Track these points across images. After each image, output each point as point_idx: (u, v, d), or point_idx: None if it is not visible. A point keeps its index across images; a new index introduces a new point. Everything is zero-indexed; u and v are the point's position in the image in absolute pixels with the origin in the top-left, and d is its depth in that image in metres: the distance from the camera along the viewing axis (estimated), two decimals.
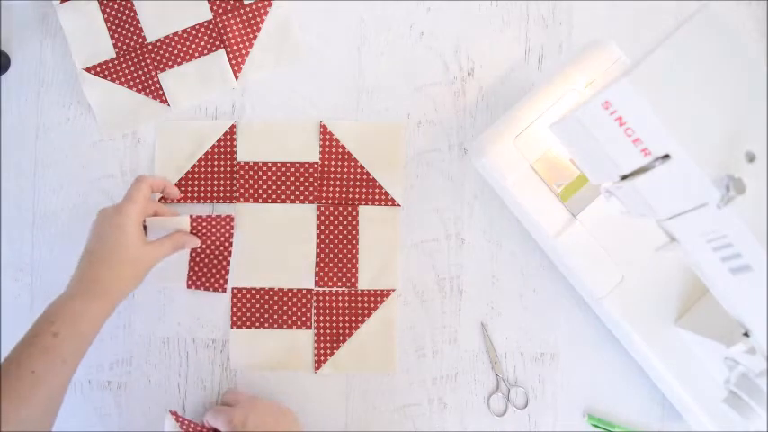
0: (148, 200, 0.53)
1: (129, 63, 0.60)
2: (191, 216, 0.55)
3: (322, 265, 0.59)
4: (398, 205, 0.59)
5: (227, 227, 0.57)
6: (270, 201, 0.59)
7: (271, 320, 0.59)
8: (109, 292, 0.49)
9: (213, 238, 0.57)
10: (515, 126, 0.53)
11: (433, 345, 0.59)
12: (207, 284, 0.59)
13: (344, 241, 0.59)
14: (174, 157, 0.60)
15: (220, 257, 0.59)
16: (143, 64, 0.60)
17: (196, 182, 0.59)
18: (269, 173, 0.59)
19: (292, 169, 0.59)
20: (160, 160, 0.60)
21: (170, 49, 0.60)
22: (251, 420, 0.51)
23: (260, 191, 0.59)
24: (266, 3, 0.60)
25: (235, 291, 0.59)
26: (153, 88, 0.60)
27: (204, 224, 0.56)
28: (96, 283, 0.49)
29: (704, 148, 0.35)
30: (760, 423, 0.42)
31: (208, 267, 0.59)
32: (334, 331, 0.59)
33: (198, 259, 0.59)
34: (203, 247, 0.59)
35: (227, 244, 0.59)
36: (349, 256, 0.59)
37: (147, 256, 0.51)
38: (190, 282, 0.59)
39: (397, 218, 0.59)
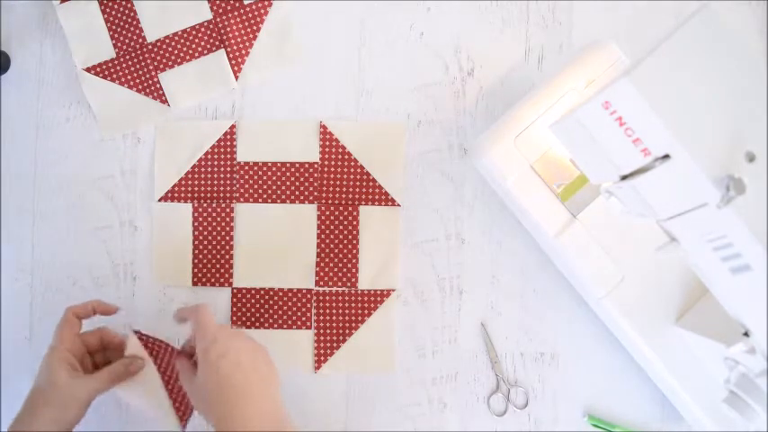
0: (75, 329, 0.52)
1: (129, 63, 0.60)
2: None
3: (322, 264, 0.59)
4: (398, 205, 0.59)
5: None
6: (270, 201, 0.59)
7: (271, 320, 0.59)
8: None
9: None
10: (515, 126, 0.53)
11: (433, 345, 0.59)
12: (212, 280, 0.59)
13: (345, 241, 0.59)
14: (174, 157, 0.60)
15: (222, 252, 0.59)
16: (143, 64, 0.60)
17: (196, 182, 0.59)
18: (269, 173, 0.59)
19: (292, 169, 0.59)
20: (160, 160, 0.60)
21: (170, 49, 0.60)
22: (229, 356, 0.47)
23: (260, 191, 0.59)
24: (266, 3, 0.60)
25: (235, 291, 0.59)
26: (153, 88, 0.60)
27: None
28: (32, 419, 0.48)
29: (704, 148, 0.35)
30: (760, 423, 0.42)
31: (212, 263, 0.59)
32: (334, 331, 0.59)
33: (201, 256, 0.59)
34: (205, 242, 0.59)
35: (228, 238, 0.59)
36: (349, 256, 0.59)
37: (80, 391, 0.49)
38: (195, 279, 0.59)
39: (397, 218, 0.59)
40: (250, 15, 0.60)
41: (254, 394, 0.46)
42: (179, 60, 0.60)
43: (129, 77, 0.60)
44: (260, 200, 0.59)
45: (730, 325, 0.43)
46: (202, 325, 0.48)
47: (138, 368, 0.53)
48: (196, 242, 0.59)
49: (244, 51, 0.60)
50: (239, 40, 0.60)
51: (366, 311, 0.59)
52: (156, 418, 0.53)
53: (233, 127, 0.60)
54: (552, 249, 0.55)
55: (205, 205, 0.59)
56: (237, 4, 0.60)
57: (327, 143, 0.60)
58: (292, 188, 0.59)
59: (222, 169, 0.59)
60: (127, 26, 0.60)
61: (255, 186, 0.59)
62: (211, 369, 0.47)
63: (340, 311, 0.59)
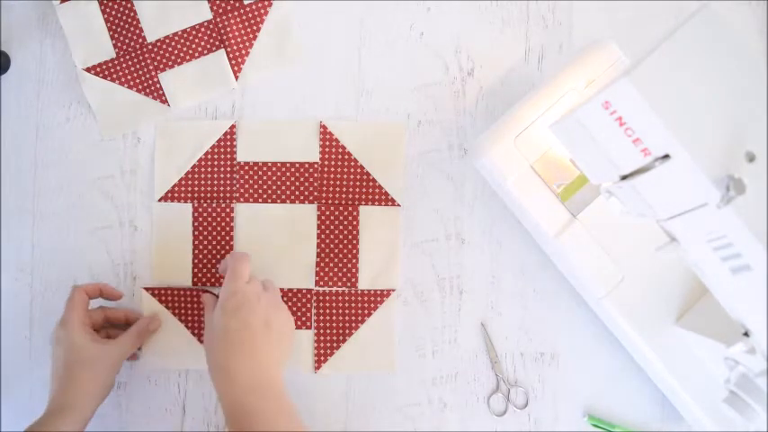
0: (85, 305, 0.54)
1: (129, 63, 0.60)
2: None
3: (322, 264, 0.59)
4: (398, 205, 0.59)
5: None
6: (270, 201, 0.59)
7: None
8: (74, 404, 0.49)
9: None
10: (515, 126, 0.53)
11: (433, 345, 0.59)
12: (213, 280, 0.59)
13: (344, 241, 0.59)
14: (174, 157, 0.60)
15: (222, 252, 0.59)
16: (143, 64, 0.60)
17: (196, 182, 0.59)
18: (269, 173, 0.59)
19: (292, 169, 0.59)
20: (160, 160, 0.60)
21: (170, 49, 0.60)
22: (241, 313, 0.48)
23: (260, 191, 0.59)
24: (266, 3, 0.60)
25: None
26: (153, 88, 0.60)
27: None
28: (62, 399, 0.49)
29: (704, 148, 0.35)
30: (760, 423, 0.42)
31: (212, 263, 0.59)
32: (334, 331, 0.59)
33: (201, 256, 0.59)
34: (205, 242, 0.59)
35: (228, 238, 0.59)
36: (349, 256, 0.59)
37: (105, 355, 0.51)
38: (195, 279, 0.59)
39: (397, 218, 0.59)
40: (250, 15, 0.60)
41: (252, 354, 0.48)
42: (179, 60, 0.60)
43: (129, 77, 0.60)
44: (260, 200, 0.59)
45: (730, 325, 0.43)
46: (234, 274, 0.51)
47: (157, 326, 0.58)
48: (196, 242, 0.59)
49: (244, 51, 0.60)
50: (239, 40, 0.60)
51: (366, 311, 0.59)
52: (191, 364, 0.58)
53: (233, 127, 0.60)
54: (552, 249, 0.55)
55: (205, 205, 0.59)
56: (237, 4, 0.60)
57: (327, 143, 0.60)
58: (292, 188, 0.59)
59: (222, 169, 0.59)
60: (127, 26, 0.60)
61: (255, 186, 0.59)
62: (223, 318, 0.49)
63: (340, 311, 0.59)
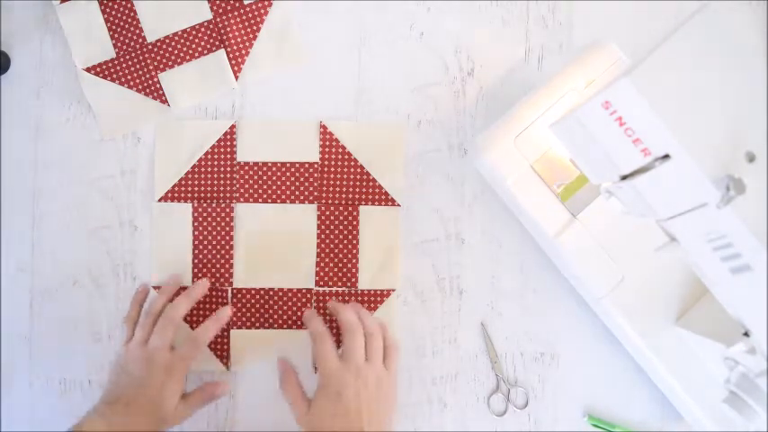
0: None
1: (129, 63, 0.60)
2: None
3: (322, 264, 0.59)
4: (398, 205, 0.59)
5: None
6: (270, 201, 0.59)
7: (271, 320, 0.59)
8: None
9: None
10: (515, 126, 0.53)
11: (433, 345, 0.59)
12: (212, 280, 0.59)
13: (344, 241, 0.59)
14: (174, 157, 0.60)
15: (222, 252, 0.59)
16: (143, 64, 0.60)
17: (196, 182, 0.59)
18: (269, 173, 0.59)
19: (292, 169, 0.60)
20: (160, 160, 0.60)
21: (170, 49, 0.60)
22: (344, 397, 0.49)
23: (260, 191, 0.59)
24: (266, 3, 0.60)
25: (235, 291, 0.59)
26: (153, 88, 0.60)
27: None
28: (121, 418, 0.50)
29: (704, 148, 0.35)
30: (760, 423, 0.42)
31: (212, 263, 0.59)
32: (334, 332, 0.59)
33: (201, 256, 0.59)
34: (205, 242, 0.59)
35: (228, 238, 0.59)
36: (349, 256, 0.59)
37: (176, 417, 0.52)
38: (195, 279, 0.59)
39: (397, 218, 0.59)
40: (250, 15, 0.60)
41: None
42: (179, 60, 0.60)
43: (129, 77, 0.60)
44: (260, 200, 0.59)
45: (730, 325, 0.43)
46: (323, 359, 0.51)
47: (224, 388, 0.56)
48: (196, 242, 0.59)
49: (244, 51, 0.60)
50: (239, 40, 0.60)
51: None
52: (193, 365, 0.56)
53: (233, 127, 0.60)
54: (552, 249, 0.55)
55: (205, 205, 0.59)
56: (237, 4, 0.60)
57: (327, 143, 0.60)
58: (292, 188, 0.59)
59: (222, 169, 0.59)
60: (127, 26, 0.60)
61: (255, 186, 0.59)
62: (323, 408, 0.49)
63: None
